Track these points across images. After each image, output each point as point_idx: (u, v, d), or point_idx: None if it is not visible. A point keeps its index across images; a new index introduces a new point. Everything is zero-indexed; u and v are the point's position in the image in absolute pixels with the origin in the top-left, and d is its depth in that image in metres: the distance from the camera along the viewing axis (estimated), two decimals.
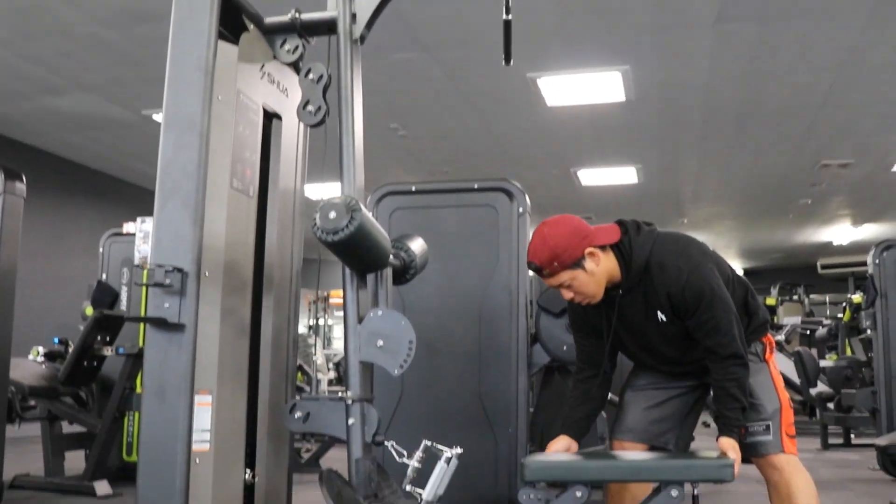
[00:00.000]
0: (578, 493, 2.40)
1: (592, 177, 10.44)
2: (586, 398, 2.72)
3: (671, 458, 2.40)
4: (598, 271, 2.54)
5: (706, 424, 11.58)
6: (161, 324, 2.39)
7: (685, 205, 12.33)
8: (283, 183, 2.95)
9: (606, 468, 2.41)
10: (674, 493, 2.34)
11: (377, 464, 2.71)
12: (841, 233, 14.48)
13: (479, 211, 3.98)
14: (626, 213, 13.03)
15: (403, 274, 2.84)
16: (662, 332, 2.56)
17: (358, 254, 2.54)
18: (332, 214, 2.43)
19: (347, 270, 2.64)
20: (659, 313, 2.52)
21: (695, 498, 2.39)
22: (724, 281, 2.52)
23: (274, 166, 2.93)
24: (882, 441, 5.75)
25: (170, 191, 2.45)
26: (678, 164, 9.97)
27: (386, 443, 2.62)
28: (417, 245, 2.89)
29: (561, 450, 2.62)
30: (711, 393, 2.54)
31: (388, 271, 2.72)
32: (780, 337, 11.08)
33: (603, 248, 2.55)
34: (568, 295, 2.59)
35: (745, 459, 2.55)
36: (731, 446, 2.37)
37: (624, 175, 10.42)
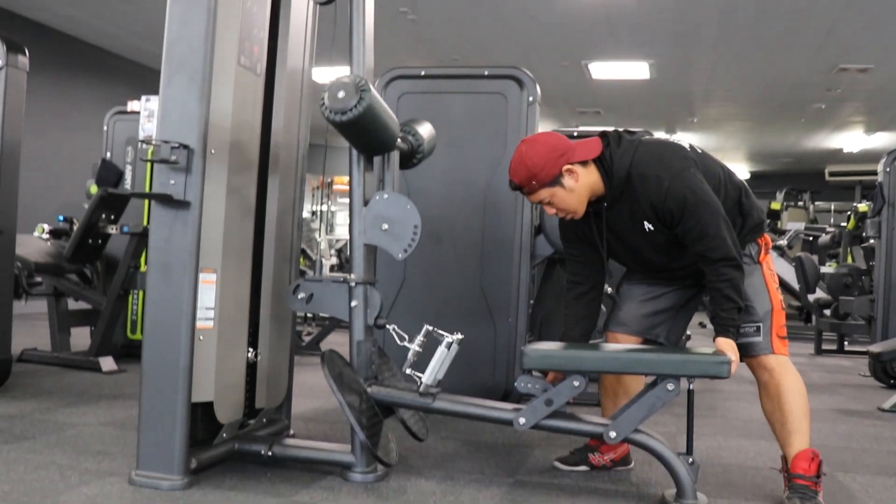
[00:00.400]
0: (576, 383, 2.45)
1: (604, 70, 10.25)
2: (582, 316, 2.76)
3: (670, 353, 2.44)
4: (577, 187, 2.55)
5: (703, 325, 11.74)
6: (166, 201, 2.39)
7: (696, 103, 12.14)
8: (291, 62, 2.90)
9: (605, 359, 2.46)
10: (670, 386, 2.39)
11: (378, 347, 2.76)
12: (852, 140, 14.32)
13: (489, 98, 3.92)
14: (637, 109, 12.81)
15: (410, 158, 2.82)
16: (651, 241, 2.57)
17: (365, 135, 2.52)
18: (341, 94, 2.40)
19: (354, 152, 2.62)
20: (645, 223, 2.53)
21: (689, 393, 2.44)
22: (715, 183, 2.52)
23: (282, 45, 2.87)
24: (875, 348, 5.84)
25: (176, 66, 2.41)
26: (692, 61, 9.77)
27: (388, 326, 2.66)
28: (425, 129, 2.86)
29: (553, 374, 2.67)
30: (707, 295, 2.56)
31: (396, 154, 2.70)
32: (783, 242, 11.11)
33: (584, 163, 2.55)
34: (550, 211, 2.60)
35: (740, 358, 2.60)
36: (728, 346, 2.41)
37: (636, 70, 10.23)
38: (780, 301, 2.59)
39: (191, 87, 2.40)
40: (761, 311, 2.56)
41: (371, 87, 2.45)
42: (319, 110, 2.45)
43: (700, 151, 2.60)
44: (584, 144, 2.58)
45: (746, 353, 2.57)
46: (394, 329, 2.65)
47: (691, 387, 2.44)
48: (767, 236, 2.67)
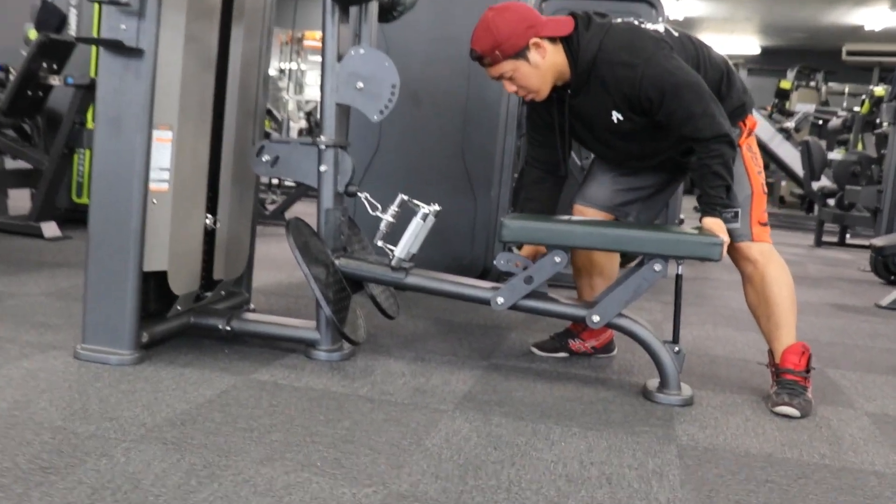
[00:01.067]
0: (558, 259, 2.48)
1: None
2: (536, 200, 2.79)
3: (660, 231, 2.46)
4: (542, 65, 2.51)
5: (697, 209, 11.79)
6: (117, 47, 2.33)
7: None
8: None
9: (591, 234, 2.47)
10: (657, 267, 2.43)
11: (348, 216, 2.77)
12: (876, 16, 14.14)
13: None
14: None
15: (390, 11, 2.76)
16: (618, 132, 2.56)
17: None
18: None
19: (328, 2, 2.56)
20: (614, 114, 2.51)
21: (678, 277, 2.48)
22: (694, 64, 2.49)
23: None
24: (879, 241, 5.94)
25: None
26: None
27: (359, 194, 2.66)
28: None
29: (529, 255, 2.69)
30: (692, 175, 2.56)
31: (374, 6, 2.64)
32: (790, 124, 11.11)
33: (552, 40, 2.50)
34: (510, 88, 2.56)
35: None
36: (717, 226, 2.43)
37: None
38: (761, 185, 2.60)
39: None
40: (740, 196, 2.57)
41: None
42: None
43: (677, 34, 2.56)
44: (556, 21, 2.53)
45: None
46: (366, 197, 2.65)
47: (680, 269, 2.48)
48: (752, 117, 2.66)
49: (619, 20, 2.57)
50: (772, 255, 2.58)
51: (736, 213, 2.57)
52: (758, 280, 2.58)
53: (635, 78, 2.42)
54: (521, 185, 2.89)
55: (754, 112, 2.74)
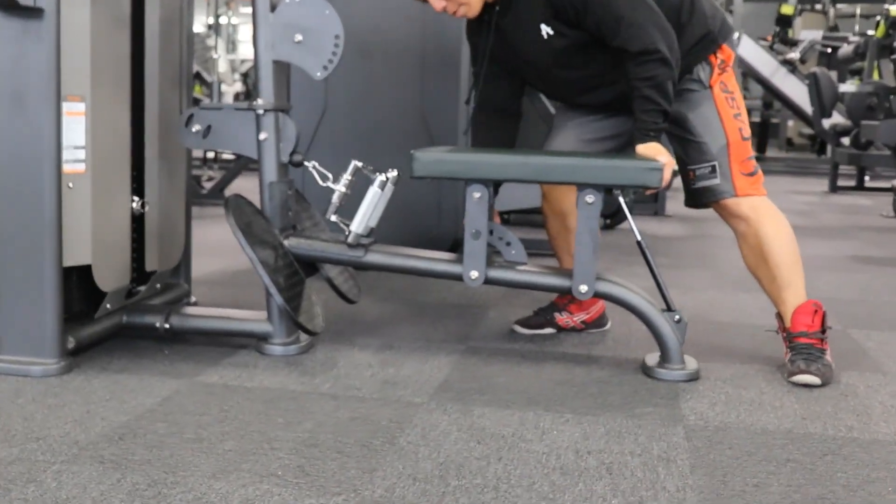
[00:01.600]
0: (476, 194, 2.51)
1: None
2: (484, 144, 2.83)
3: (589, 158, 2.51)
4: None
5: None
6: (11, 7, 2.30)
7: None
8: None
9: (510, 165, 2.52)
10: (589, 198, 2.45)
11: (296, 190, 2.76)
12: None
13: None
14: None
15: None
16: (551, 51, 2.58)
17: None
18: None
19: None
20: (542, 27, 2.53)
21: (639, 245, 2.51)
22: None
23: None
24: None
25: None
26: None
27: (306, 163, 2.66)
28: None
29: None
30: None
31: None
32: (795, 55, 11.18)
33: None
34: (439, 5, 2.57)
35: (703, 205, 2.69)
36: (654, 150, 2.46)
37: None
38: (738, 131, 2.60)
39: None
40: (715, 147, 2.59)
41: None
42: None
43: None
44: None
45: (707, 198, 2.63)
46: (314, 167, 2.65)
47: (640, 239, 2.52)
48: (728, 48, 2.66)
49: None
50: (765, 209, 2.61)
51: (713, 168, 2.59)
52: (752, 238, 2.61)
53: None
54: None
55: (745, 41, 2.76)
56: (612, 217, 5.44)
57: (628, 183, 2.44)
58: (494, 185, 2.69)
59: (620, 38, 2.45)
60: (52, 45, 2.32)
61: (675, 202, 7.25)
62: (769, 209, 2.62)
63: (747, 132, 2.65)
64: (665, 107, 2.46)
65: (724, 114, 2.61)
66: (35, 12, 2.30)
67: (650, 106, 2.45)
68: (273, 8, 2.58)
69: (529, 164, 2.49)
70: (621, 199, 2.56)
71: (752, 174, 2.62)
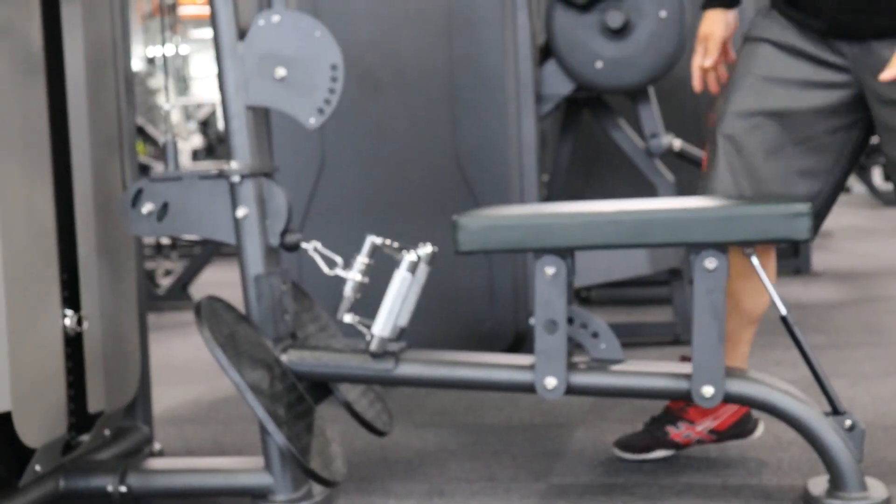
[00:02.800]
0: (550, 270, 2.50)
1: None
2: None
3: (705, 207, 2.50)
4: None
5: (845, 188, 11.80)
6: None
7: None
8: None
9: (596, 225, 2.51)
10: (709, 263, 2.43)
11: (292, 282, 2.75)
12: None
13: None
14: None
15: None
16: None
17: None
18: None
19: None
20: None
21: (784, 321, 2.50)
22: None
23: None
24: None
25: None
26: None
27: (304, 245, 2.65)
28: None
29: None
30: None
31: None
32: None
33: None
34: None
35: None
36: None
37: None
38: None
39: None
40: None
41: None
42: None
43: None
44: None
45: None
46: (315, 248, 2.65)
47: (783, 310, 2.49)
48: None
49: None
50: None
51: None
52: None
53: None
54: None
55: None
56: None
57: (764, 237, 2.42)
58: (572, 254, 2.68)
59: None
60: None
61: (825, 253, 7.22)
62: None
63: None
64: None
65: None
66: None
67: None
68: (242, 33, 2.59)
69: (622, 221, 2.48)
70: (753, 259, 2.53)
71: None
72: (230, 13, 2.59)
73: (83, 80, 2.82)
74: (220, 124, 12.55)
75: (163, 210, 2.66)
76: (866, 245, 7.74)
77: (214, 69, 2.67)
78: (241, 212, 2.62)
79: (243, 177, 2.61)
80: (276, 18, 2.57)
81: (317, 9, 3.80)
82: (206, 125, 11.24)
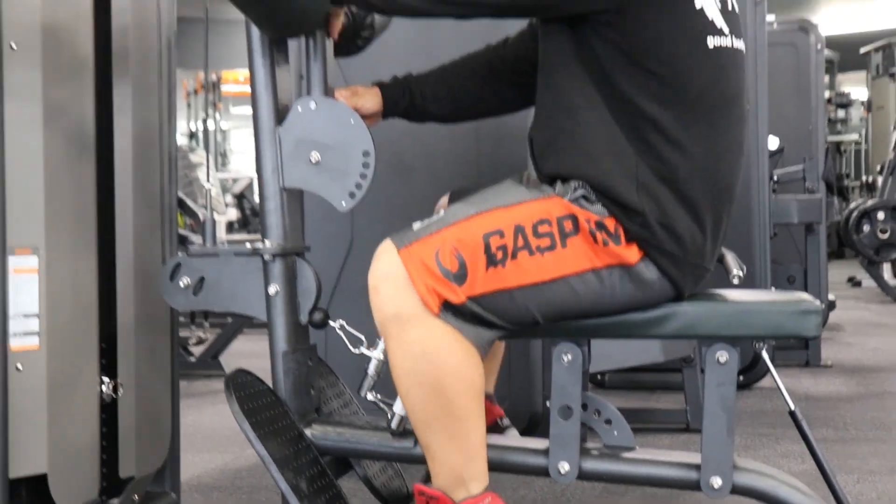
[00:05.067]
0: (567, 357, 2.48)
1: None
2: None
3: (718, 301, 2.49)
4: None
5: (855, 281, 11.85)
6: None
7: None
8: None
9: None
10: (721, 356, 2.39)
11: (318, 359, 2.74)
12: None
13: None
14: None
15: (353, 38, 2.80)
16: None
17: None
18: None
19: (254, 31, 2.61)
20: None
21: (792, 416, 2.47)
22: None
23: None
24: None
25: None
26: None
27: (331, 323, 2.65)
28: None
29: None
30: None
31: (323, 34, 2.68)
32: None
33: None
34: None
35: None
36: None
37: None
38: None
39: None
40: None
41: None
42: None
43: None
44: None
45: None
46: (341, 327, 2.64)
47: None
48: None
49: None
50: None
51: None
52: None
53: None
54: None
55: None
56: (746, 372, 5.35)
57: (773, 333, 2.41)
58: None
59: None
60: None
61: (835, 347, 7.18)
62: None
63: None
64: None
65: None
66: None
67: None
68: (281, 118, 2.60)
69: (638, 316, 2.47)
70: (763, 353, 2.51)
71: None
72: (270, 100, 2.60)
73: (130, 157, 2.84)
74: (256, 197, 12.59)
75: (199, 284, 2.66)
76: (876, 340, 7.69)
77: (252, 147, 2.69)
78: (272, 289, 2.61)
79: (276, 256, 2.61)
80: (313, 105, 2.58)
81: None
82: (241, 197, 11.26)
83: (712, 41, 2.45)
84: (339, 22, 2.66)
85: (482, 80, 2.93)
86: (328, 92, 2.66)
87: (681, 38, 2.43)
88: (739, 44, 2.54)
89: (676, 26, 2.43)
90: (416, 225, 2.45)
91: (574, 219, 2.40)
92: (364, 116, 2.70)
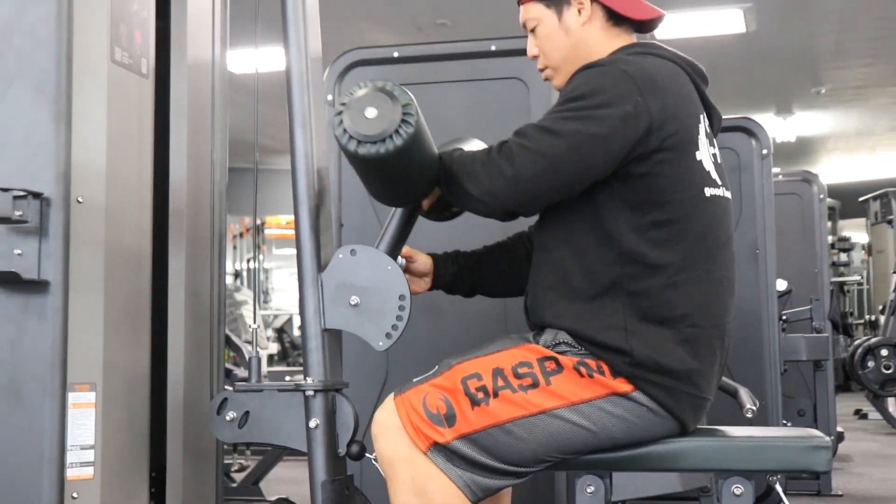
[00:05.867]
0: (590, 489, 2.51)
1: (675, 25, 10.37)
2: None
3: (733, 438, 2.50)
4: (574, 34, 2.65)
5: (861, 413, 11.76)
6: (11, 281, 2.41)
7: (822, 64, 12.28)
8: (193, 51, 2.97)
9: (628, 454, 2.51)
10: (736, 489, 2.42)
11: (355, 488, 2.76)
12: None
13: (502, 87, 3.95)
14: (729, 78, 12.88)
15: (446, 209, 2.90)
16: None
17: (401, 175, 2.57)
18: (372, 112, 2.41)
19: (301, 183, 2.67)
20: None
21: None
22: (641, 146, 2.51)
23: (178, 26, 2.94)
24: None
25: (13, 69, 2.46)
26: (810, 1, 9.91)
27: (367, 455, 2.67)
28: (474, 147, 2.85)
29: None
30: None
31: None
32: None
33: (612, 18, 2.66)
34: (531, 51, 2.73)
35: None
36: None
37: (723, 21, 10.40)
38: None
39: (39, 100, 2.44)
40: None
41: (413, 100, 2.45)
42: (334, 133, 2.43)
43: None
44: (639, 6, 2.69)
45: None
46: (376, 458, 2.66)
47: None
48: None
49: (660, 56, 2.64)
50: None
51: None
52: None
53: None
54: None
55: None
56: (760, 501, 5.32)
57: (786, 468, 2.44)
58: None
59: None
60: (59, 324, 2.42)
61: (845, 476, 7.14)
62: None
63: None
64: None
65: None
66: (39, 286, 2.41)
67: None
68: (323, 265, 2.68)
69: (657, 450, 2.50)
70: (777, 486, 2.53)
71: None
72: (314, 248, 2.67)
73: (182, 301, 2.91)
74: (295, 332, 12.61)
75: (244, 418, 2.69)
76: (884, 470, 7.61)
77: (292, 285, 2.74)
78: (313, 423, 2.64)
79: (317, 392, 2.64)
80: (353, 253, 2.65)
81: None
82: (281, 332, 11.27)
83: (709, 191, 2.54)
84: (433, 198, 2.75)
85: (523, 259, 3.01)
86: (398, 250, 2.74)
87: (684, 187, 2.50)
88: (728, 193, 2.64)
89: (682, 176, 2.50)
90: (416, 379, 2.58)
91: (555, 360, 2.46)
92: (415, 275, 2.90)
